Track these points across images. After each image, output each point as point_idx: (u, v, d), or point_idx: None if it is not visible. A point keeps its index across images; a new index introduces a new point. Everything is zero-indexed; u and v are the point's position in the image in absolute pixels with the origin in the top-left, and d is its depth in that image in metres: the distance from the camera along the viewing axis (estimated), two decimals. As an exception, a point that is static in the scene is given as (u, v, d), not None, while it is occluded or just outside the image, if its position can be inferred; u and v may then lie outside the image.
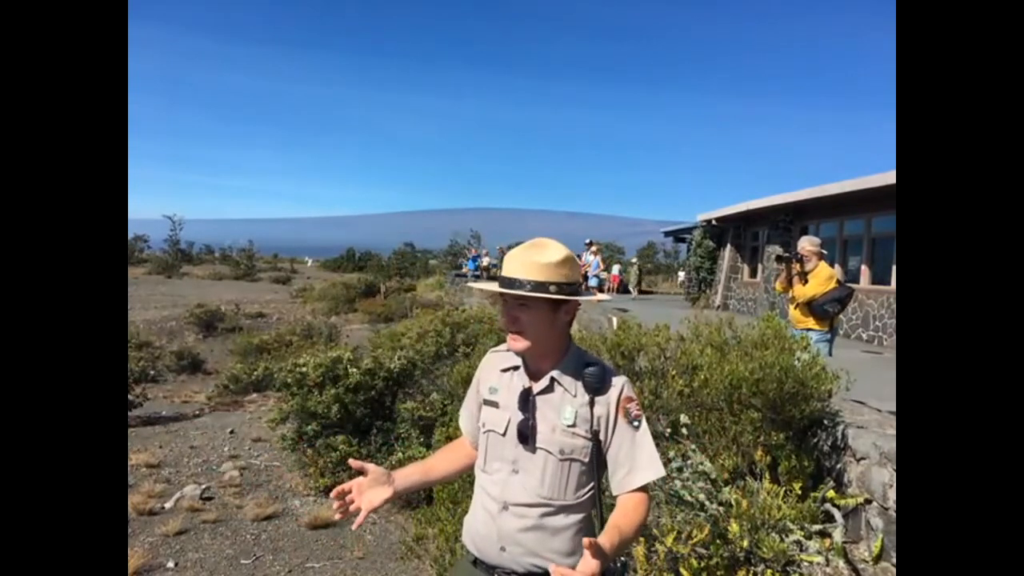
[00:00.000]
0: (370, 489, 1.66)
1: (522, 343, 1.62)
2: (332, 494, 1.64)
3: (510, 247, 15.35)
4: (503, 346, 1.79)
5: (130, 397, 9.00)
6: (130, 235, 48.27)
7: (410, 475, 1.77)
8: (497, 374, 1.75)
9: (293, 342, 13.38)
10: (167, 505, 5.34)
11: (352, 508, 1.63)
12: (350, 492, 1.64)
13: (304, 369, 5.94)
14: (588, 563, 1.36)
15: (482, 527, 1.66)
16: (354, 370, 5.90)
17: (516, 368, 1.71)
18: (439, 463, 1.87)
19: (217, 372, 12.66)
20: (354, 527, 1.62)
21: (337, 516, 1.63)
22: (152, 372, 12.51)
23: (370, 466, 1.68)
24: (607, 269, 23.69)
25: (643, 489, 1.64)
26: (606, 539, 1.46)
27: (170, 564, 4.31)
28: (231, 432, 7.85)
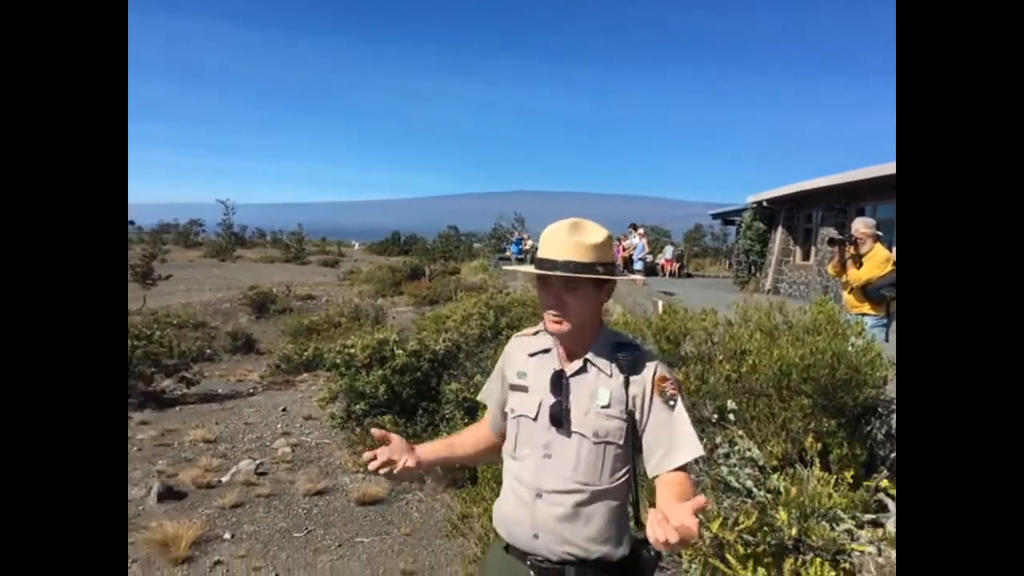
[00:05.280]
0: (395, 455, 1.67)
1: (565, 326, 1.59)
2: (364, 457, 1.66)
3: (554, 230, 15.11)
4: (529, 330, 1.78)
5: (188, 375, 9.39)
6: (186, 219, 49.99)
7: (434, 450, 1.80)
8: (524, 358, 1.72)
9: (341, 323, 13.67)
10: (223, 479, 5.57)
11: (382, 465, 1.65)
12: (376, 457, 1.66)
13: (352, 350, 6.07)
14: (686, 518, 1.29)
15: (515, 513, 1.64)
16: (400, 352, 6.00)
17: (546, 351, 1.69)
18: (463, 442, 1.88)
19: (269, 352, 13.07)
20: (397, 471, 1.65)
21: (372, 467, 1.64)
22: (208, 351, 12.99)
23: (392, 436, 1.69)
24: (652, 252, 23.39)
25: (683, 469, 1.59)
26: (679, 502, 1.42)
27: (227, 535, 4.50)
28: (283, 410, 8.11)
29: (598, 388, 1.61)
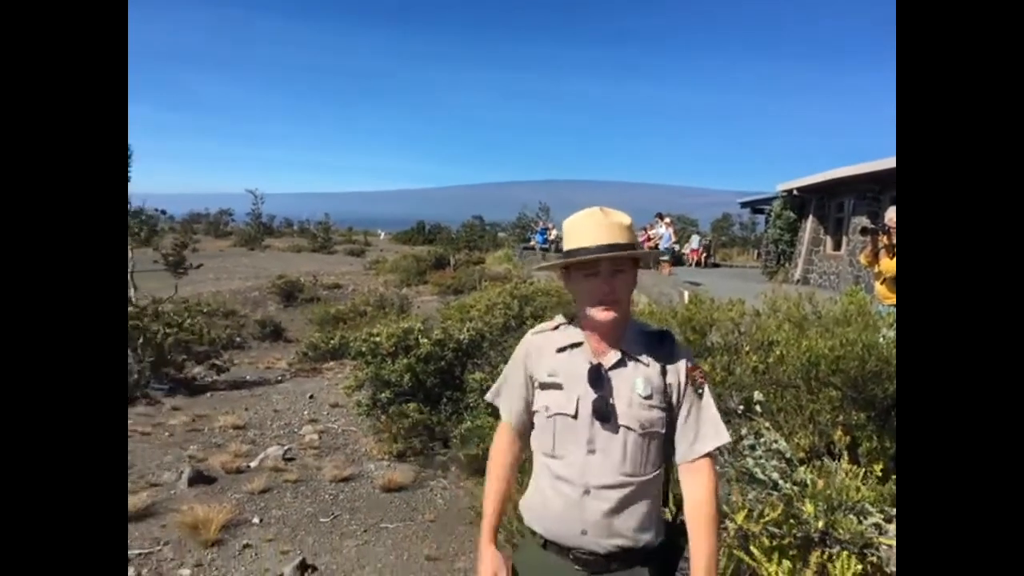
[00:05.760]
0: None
1: (614, 313, 1.56)
2: None
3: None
4: (547, 325, 1.74)
5: (218, 362, 9.58)
6: (215, 209, 50.78)
7: (495, 522, 1.76)
8: (552, 355, 1.66)
9: (367, 312, 13.80)
10: (252, 464, 5.67)
11: None
12: None
13: (378, 339, 6.13)
14: None
15: (559, 512, 1.60)
16: (425, 340, 6.04)
17: (576, 345, 1.65)
18: (508, 484, 1.79)
19: (297, 340, 13.25)
20: None
21: None
22: (238, 339, 13.24)
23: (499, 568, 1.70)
24: (679, 241, 23.16)
25: (709, 456, 1.61)
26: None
27: (255, 520, 4.59)
28: (310, 397, 8.22)
29: (637, 379, 1.59)
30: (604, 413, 1.56)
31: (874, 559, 2.59)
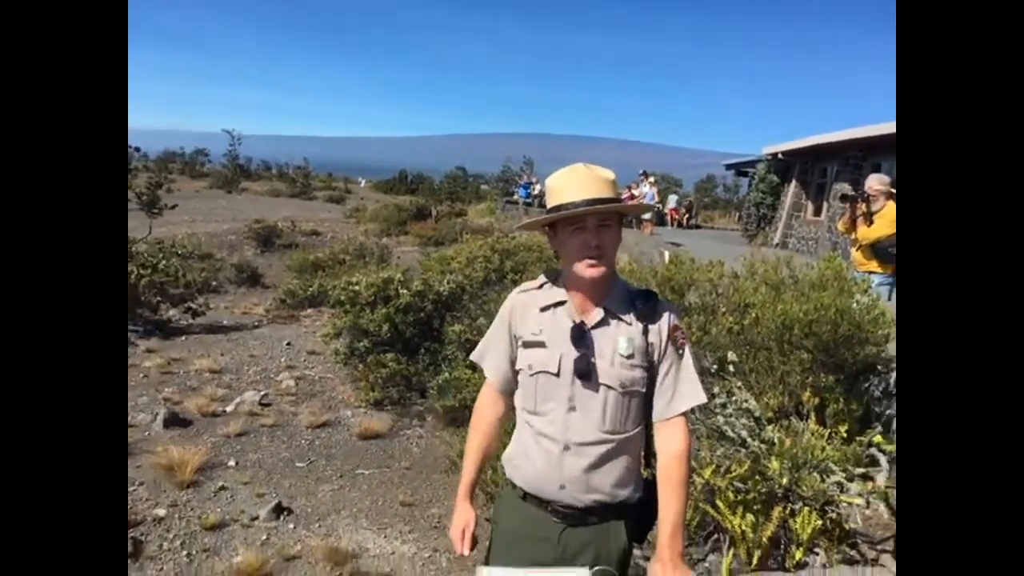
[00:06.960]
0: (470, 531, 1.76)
1: (601, 269, 1.56)
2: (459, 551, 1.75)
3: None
4: (531, 284, 1.74)
5: (194, 306, 9.46)
6: (191, 148, 49.39)
7: (474, 479, 1.81)
8: (536, 314, 1.67)
9: (346, 261, 13.67)
10: (228, 409, 5.68)
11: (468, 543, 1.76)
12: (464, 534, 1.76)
13: (357, 288, 6.09)
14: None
15: (539, 467, 1.63)
16: (404, 291, 6.03)
17: (560, 304, 1.65)
18: (489, 444, 1.82)
19: (275, 286, 13.12)
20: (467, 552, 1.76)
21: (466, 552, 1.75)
22: (214, 283, 13.07)
23: (468, 529, 1.76)
24: (662, 201, 23.15)
25: (683, 415, 1.65)
26: (672, 535, 1.58)
27: (231, 463, 4.63)
28: (287, 344, 8.20)
29: (619, 338, 1.60)
30: (585, 371, 1.57)
31: (834, 515, 2.69)
